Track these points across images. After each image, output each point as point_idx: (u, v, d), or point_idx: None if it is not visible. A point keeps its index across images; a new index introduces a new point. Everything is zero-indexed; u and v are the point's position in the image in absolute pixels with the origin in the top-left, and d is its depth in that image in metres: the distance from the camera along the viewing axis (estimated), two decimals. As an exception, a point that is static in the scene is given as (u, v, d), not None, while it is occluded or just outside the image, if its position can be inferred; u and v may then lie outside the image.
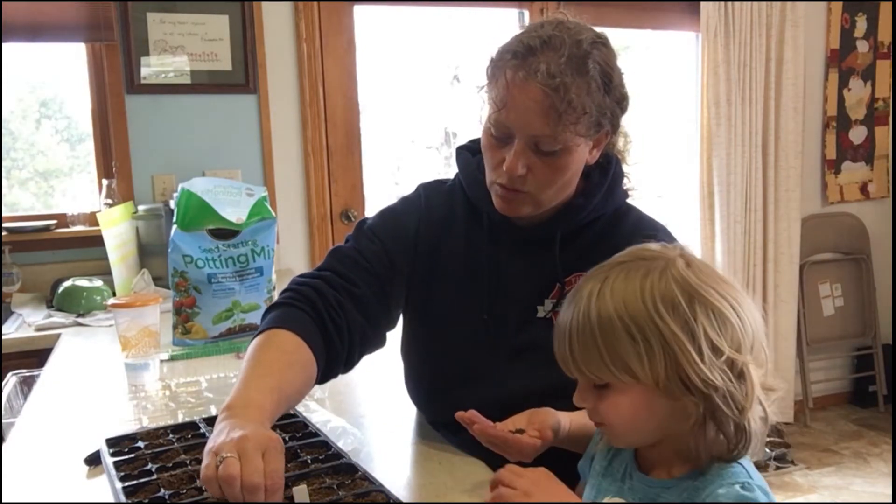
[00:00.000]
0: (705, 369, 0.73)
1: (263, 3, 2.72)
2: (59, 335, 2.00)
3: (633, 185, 1.22)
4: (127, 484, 0.95)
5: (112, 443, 1.09)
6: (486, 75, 1.10)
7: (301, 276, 1.18)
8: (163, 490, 0.94)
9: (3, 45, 2.47)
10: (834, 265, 3.82)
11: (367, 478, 0.97)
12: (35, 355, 1.99)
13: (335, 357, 1.11)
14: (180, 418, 1.30)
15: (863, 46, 3.72)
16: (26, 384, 1.74)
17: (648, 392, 0.76)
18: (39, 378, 1.64)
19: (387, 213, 1.26)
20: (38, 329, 2.09)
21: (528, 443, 0.98)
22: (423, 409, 1.29)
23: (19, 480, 1.09)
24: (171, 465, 1.01)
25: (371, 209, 2.92)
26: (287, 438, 1.10)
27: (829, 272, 3.80)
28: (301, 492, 0.89)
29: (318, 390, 1.40)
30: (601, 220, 1.17)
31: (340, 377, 1.45)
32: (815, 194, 3.75)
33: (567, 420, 1.02)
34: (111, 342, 1.75)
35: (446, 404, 1.21)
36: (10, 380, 1.75)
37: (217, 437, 0.86)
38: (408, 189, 1.31)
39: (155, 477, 0.97)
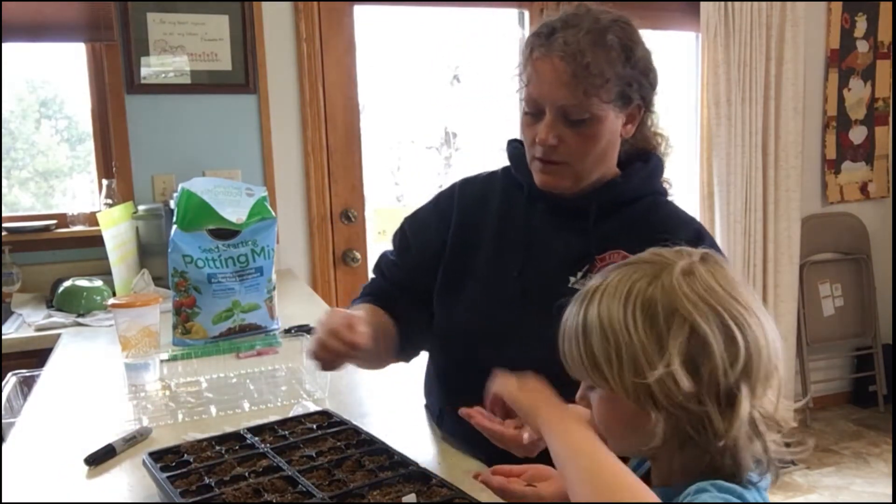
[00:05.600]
0: (672, 388, 0.69)
1: (263, 3, 2.72)
2: (59, 335, 2.00)
3: (672, 183, 1.28)
4: (191, 500, 0.90)
5: (156, 457, 1.04)
6: (519, 65, 1.18)
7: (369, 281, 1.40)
8: None
9: (3, 45, 2.47)
10: (834, 265, 3.82)
11: (444, 485, 0.95)
12: (35, 355, 1.98)
13: (408, 341, 1.30)
14: (180, 418, 1.30)
15: (863, 46, 3.72)
16: (26, 384, 1.73)
17: (622, 400, 0.73)
18: (39, 378, 1.64)
19: (420, 216, 1.37)
20: (38, 329, 2.09)
21: (528, 446, 0.97)
22: (446, 378, 1.31)
23: (19, 480, 1.09)
24: (228, 478, 0.96)
25: (371, 209, 2.91)
26: (343, 447, 1.07)
27: (829, 272, 3.80)
28: (410, 500, 0.90)
29: (318, 390, 1.40)
30: (638, 204, 1.21)
31: (342, 377, 1.45)
32: (815, 194, 3.75)
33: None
34: (111, 342, 1.75)
35: (474, 365, 1.20)
36: (10, 380, 1.74)
37: None
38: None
39: (218, 492, 0.93)
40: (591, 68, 1.07)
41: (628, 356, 0.71)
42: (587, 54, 1.07)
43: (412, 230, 1.35)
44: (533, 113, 1.14)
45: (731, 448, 0.71)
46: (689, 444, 0.72)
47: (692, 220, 1.23)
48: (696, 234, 1.16)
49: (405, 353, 1.34)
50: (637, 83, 1.13)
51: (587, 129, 1.12)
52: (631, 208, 1.20)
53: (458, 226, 1.29)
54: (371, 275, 1.42)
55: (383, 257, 1.38)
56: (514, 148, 1.30)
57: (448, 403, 1.26)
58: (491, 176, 1.33)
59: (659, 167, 1.24)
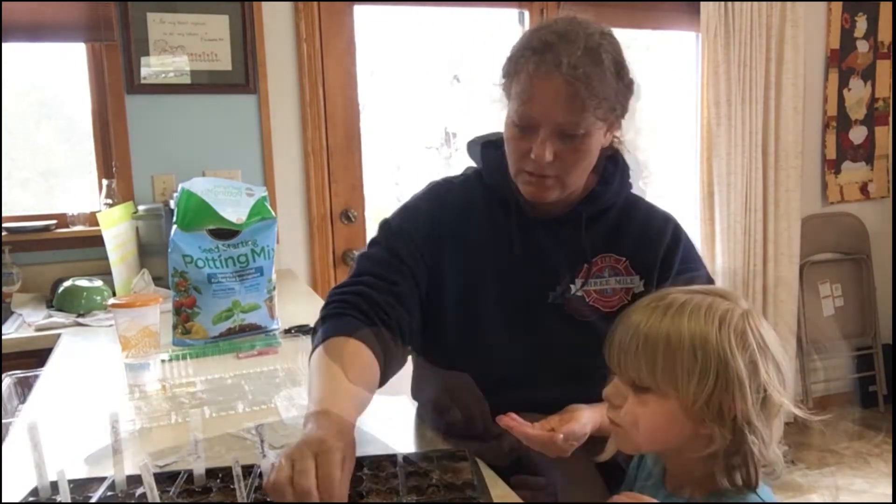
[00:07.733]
0: (751, 409, 0.78)
1: (263, 3, 2.72)
2: (59, 335, 2.00)
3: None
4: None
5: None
6: (505, 73, 1.17)
7: (338, 287, 1.20)
8: None
9: (3, 45, 2.47)
10: (834, 265, 3.82)
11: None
12: (35, 355, 1.98)
13: (392, 355, 1.14)
14: (180, 419, 1.30)
15: (863, 46, 3.72)
16: (22, 384, 1.73)
17: (679, 408, 0.80)
18: (40, 378, 1.63)
19: (410, 210, 1.29)
20: (38, 329, 2.09)
21: (563, 447, 1.02)
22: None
23: (19, 480, 1.09)
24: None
25: (371, 209, 2.91)
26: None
27: (829, 272, 3.80)
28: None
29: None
30: (616, 207, 1.27)
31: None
32: (815, 194, 3.75)
33: (598, 415, 1.06)
34: (111, 342, 1.75)
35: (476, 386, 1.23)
36: (6, 380, 1.74)
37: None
38: (408, 189, 1.33)
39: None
40: (594, 90, 1.08)
41: (715, 373, 0.79)
42: (592, 77, 1.08)
43: (413, 226, 1.24)
44: (525, 127, 1.14)
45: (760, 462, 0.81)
46: (731, 455, 0.81)
47: (668, 215, 1.29)
48: (675, 230, 1.26)
49: (396, 369, 1.20)
50: (623, 97, 1.16)
51: (580, 144, 1.14)
52: (611, 212, 1.26)
53: (449, 234, 1.24)
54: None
55: (366, 255, 1.24)
56: (490, 154, 1.28)
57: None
58: (466, 183, 1.31)
59: (626, 167, 1.28)
